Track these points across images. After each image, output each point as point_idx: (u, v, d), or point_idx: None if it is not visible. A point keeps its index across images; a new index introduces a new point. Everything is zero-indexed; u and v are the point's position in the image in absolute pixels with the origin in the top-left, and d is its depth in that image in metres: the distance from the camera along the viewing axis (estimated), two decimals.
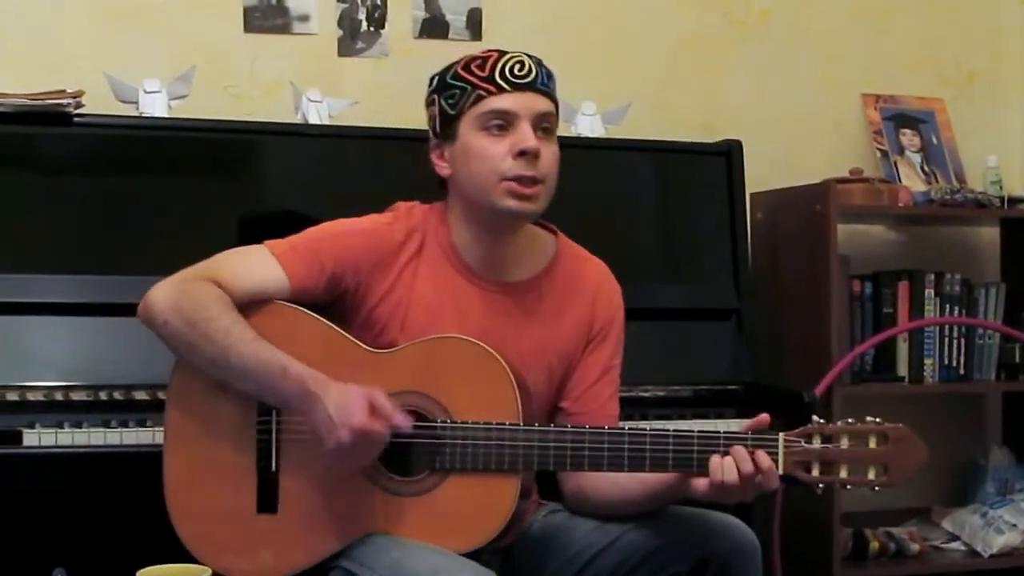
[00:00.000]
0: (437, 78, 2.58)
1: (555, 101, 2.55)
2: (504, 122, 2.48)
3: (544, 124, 2.51)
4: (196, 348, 2.40)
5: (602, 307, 2.64)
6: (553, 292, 2.61)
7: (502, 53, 2.52)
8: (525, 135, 2.47)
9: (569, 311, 2.61)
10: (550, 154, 2.51)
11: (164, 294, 2.44)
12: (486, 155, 2.48)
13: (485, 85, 2.49)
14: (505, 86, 2.48)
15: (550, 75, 2.55)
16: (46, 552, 3.19)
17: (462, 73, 2.52)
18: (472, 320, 2.53)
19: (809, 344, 3.99)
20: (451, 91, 2.52)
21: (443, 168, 2.57)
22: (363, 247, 2.53)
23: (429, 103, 2.59)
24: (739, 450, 2.32)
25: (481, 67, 2.50)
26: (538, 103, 2.50)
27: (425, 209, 2.62)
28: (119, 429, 2.94)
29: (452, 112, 2.52)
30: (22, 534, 3.20)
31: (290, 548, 2.42)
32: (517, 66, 2.50)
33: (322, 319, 2.48)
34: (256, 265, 2.49)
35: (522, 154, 2.46)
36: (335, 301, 2.54)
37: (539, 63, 2.54)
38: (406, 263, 2.55)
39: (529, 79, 2.50)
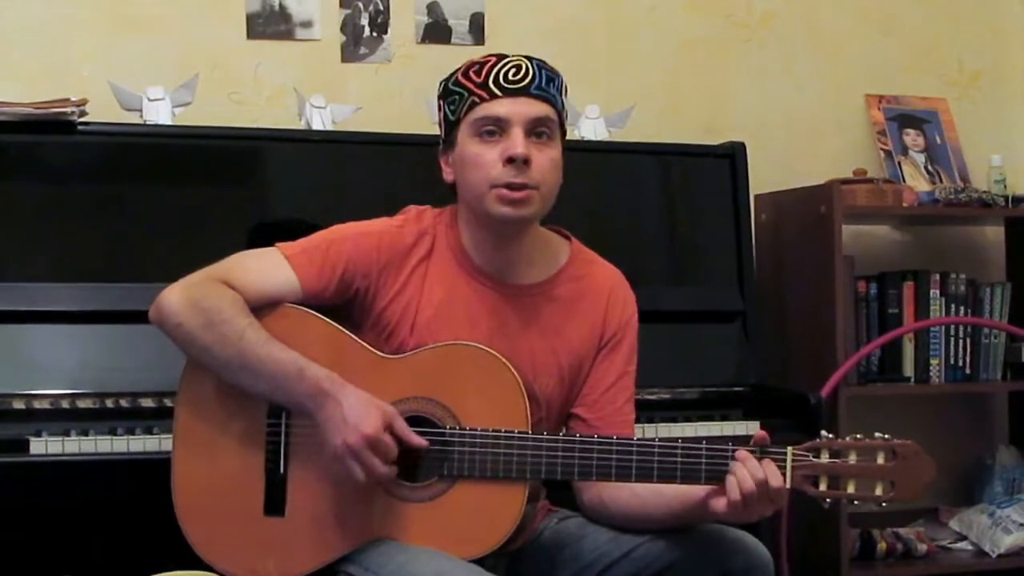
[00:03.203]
0: (443, 84, 2.57)
1: (555, 105, 2.52)
2: (496, 128, 2.46)
3: (539, 129, 2.48)
4: (210, 350, 2.40)
5: (615, 313, 2.63)
6: (565, 296, 2.60)
7: (501, 57, 2.51)
8: (515, 142, 2.44)
9: (580, 315, 2.60)
10: (545, 160, 2.47)
11: (177, 296, 2.44)
12: (478, 162, 2.47)
13: (479, 91, 2.48)
14: (497, 92, 2.46)
15: (550, 79, 2.52)
16: (53, 560, 3.19)
17: (461, 79, 2.51)
18: (482, 322, 2.53)
19: (814, 345, 3.99)
20: (452, 97, 2.52)
21: (448, 174, 2.57)
22: (373, 249, 2.53)
23: (438, 109, 2.60)
24: (749, 458, 2.31)
25: (478, 73, 2.49)
26: (531, 108, 2.47)
27: (436, 212, 2.62)
28: (126, 437, 2.94)
29: (452, 119, 2.52)
30: (29, 542, 3.20)
31: (296, 551, 2.42)
32: (512, 70, 2.48)
33: (332, 322, 2.49)
34: (268, 268, 2.50)
35: (511, 161, 2.44)
36: (346, 304, 2.54)
37: (540, 66, 2.51)
38: (416, 265, 2.55)
39: (523, 84, 2.47)
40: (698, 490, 2.37)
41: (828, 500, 2.34)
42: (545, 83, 2.50)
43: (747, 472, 2.30)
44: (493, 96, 2.47)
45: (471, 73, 2.50)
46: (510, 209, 2.46)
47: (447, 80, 2.56)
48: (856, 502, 2.36)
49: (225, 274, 2.47)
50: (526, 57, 2.52)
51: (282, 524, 2.43)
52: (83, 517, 3.23)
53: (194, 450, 2.47)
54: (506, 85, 2.47)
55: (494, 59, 2.51)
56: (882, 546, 4.10)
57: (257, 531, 2.44)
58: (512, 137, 2.45)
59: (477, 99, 2.48)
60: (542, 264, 2.61)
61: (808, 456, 2.34)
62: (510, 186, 2.45)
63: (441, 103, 2.57)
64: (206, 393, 2.46)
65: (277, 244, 2.54)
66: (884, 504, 2.34)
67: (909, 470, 2.32)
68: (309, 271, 2.49)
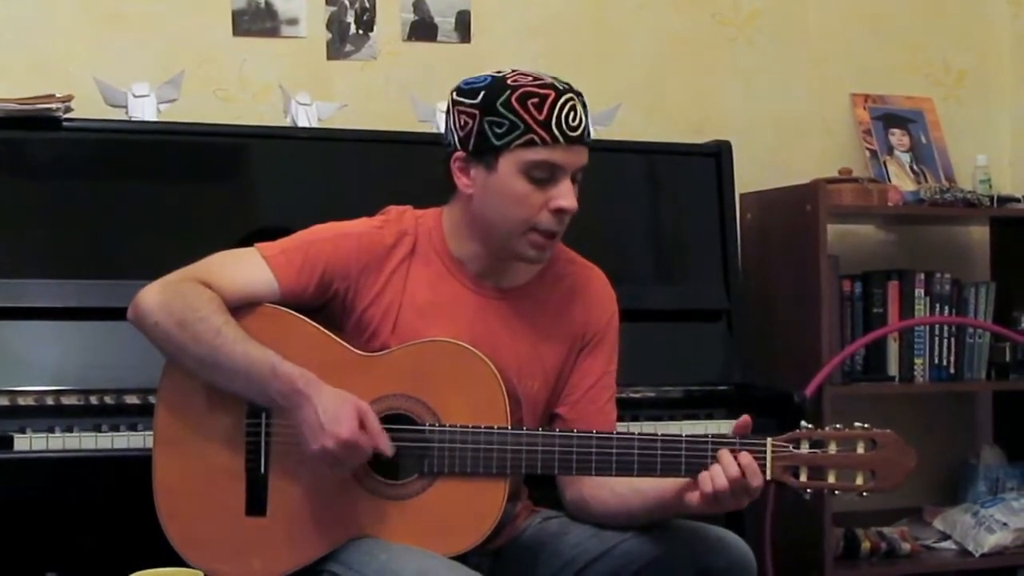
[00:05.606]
0: (483, 95, 2.43)
1: None
2: (549, 175, 2.43)
3: (580, 174, 2.48)
4: (186, 349, 2.40)
5: (597, 313, 2.63)
6: (548, 298, 2.60)
7: (558, 92, 2.42)
8: (565, 192, 2.43)
9: (564, 316, 2.61)
10: (576, 202, 2.47)
11: (154, 295, 2.44)
12: (523, 202, 2.43)
13: (540, 132, 2.39)
14: (560, 139, 2.40)
15: (587, 112, 2.48)
16: (38, 557, 3.19)
17: (517, 107, 2.40)
18: (464, 324, 2.52)
19: (799, 344, 4.00)
20: (500, 119, 2.41)
21: (467, 186, 2.49)
22: (352, 250, 2.52)
23: (465, 113, 2.45)
24: (725, 454, 2.32)
25: (538, 108, 2.39)
26: (582, 157, 2.46)
27: (417, 214, 2.61)
28: (110, 433, 2.94)
29: (496, 142, 2.41)
30: (14, 539, 3.20)
31: (278, 551, 2.42)
32: (570, 114, 2.41)
33: (312, 322, 2.49)
34: (246, 268, 2.49)
35: (558, 210, 2.44)
36: (326, 305, 2.54)
37: (585, 107, 2.47)
38: (397, 266, 2.54)
39: (580, 132, 2.42)
40: (674, 484, 2.38)
41: (809, 491, 2.35)
42: (590, 128, 2.49)
43: (720, 468, 2.31)
44: (555, 142, 2.40)
45: (530, 106, 2.40)
46: (538, 253, 2.49)
47: (492, 95, 2.43)
48: (837, 492, 2.36)
49: (203, 274, 2.47)
50: (571, 93, 2.45)
51: (264, 524, 2.44)
52: (67, 514, 3.22)
53: (174, 450, 2.47)
54: (568, 132, 2.41)
55: (552, 94, 2.42)
56: (866, 545, 4.11)
57: (239, 531, 2.44)
58: (563, 187, 2.44)
59: (537, 139, 2.40)
60: (526, 267, 2.60)
61: (788, 447, 2.35)
62: (547, 233, 2.46)
63: (478, 114, 2.43)
64: (186, 393, 2.46)
65: (256, 244, 2.53)
66: (865, 494, 2.35)
67: (889, 460, 2.34)
68: (288, 272, 2.48)
